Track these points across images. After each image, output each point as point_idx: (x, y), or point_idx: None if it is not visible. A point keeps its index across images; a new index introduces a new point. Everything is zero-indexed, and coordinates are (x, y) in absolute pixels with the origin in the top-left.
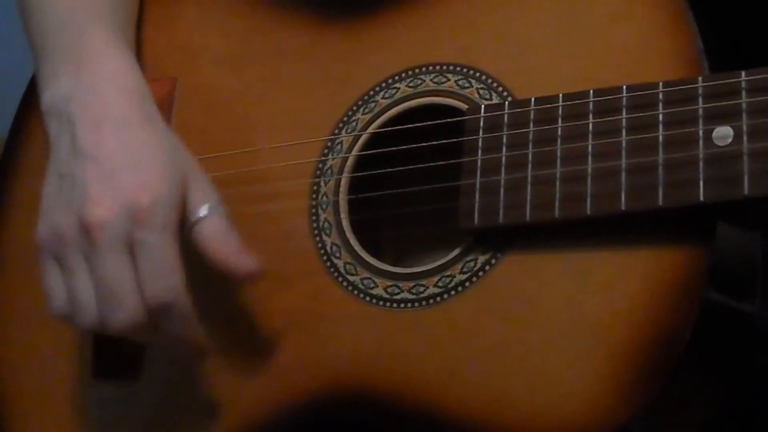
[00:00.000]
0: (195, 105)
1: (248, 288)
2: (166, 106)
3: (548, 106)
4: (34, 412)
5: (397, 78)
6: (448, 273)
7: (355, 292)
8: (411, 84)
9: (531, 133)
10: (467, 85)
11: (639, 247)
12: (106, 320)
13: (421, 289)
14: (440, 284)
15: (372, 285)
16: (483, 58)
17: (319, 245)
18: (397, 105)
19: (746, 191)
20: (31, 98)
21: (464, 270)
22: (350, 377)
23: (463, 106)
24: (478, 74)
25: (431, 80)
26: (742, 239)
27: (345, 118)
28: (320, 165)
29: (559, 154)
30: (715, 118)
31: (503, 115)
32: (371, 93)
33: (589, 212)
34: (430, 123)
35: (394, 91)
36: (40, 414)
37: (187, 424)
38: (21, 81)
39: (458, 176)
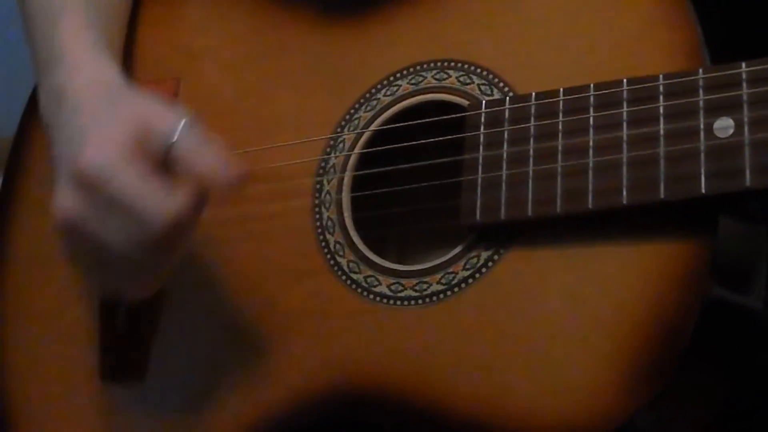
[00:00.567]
0: (199, 105)
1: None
2: None
3: (549, 100)
4: (40, 417)
5: (398, 75)
6: (452, 270)
7: (359, 290)
8: (412, 81)
9: (532, 128)
10: (468, 81)
11: (641, 242)
12: (151, 222)
13: (425, 286)
14: (443, 281)
15: (376, 283)
16: (483, 54)
17: (323, 243)
18: (399, 102)
19: (748, 183)
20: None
21: (467, 267)
22: (354, 375)
23: (465, 103)
24: (478, 70)
25: (432, 77)
26: (746, 233)
27: (347, 116)
28: (323, 163)
29: (560, 148)
30: (716, 109)
31: (504, 110)
32: (373, 91)
33: (591, 206)
34: (431, 120)
35: (395, 88)
36: (47, 419)
37: (190, 425)
38: (28, 83)
39: (460, 172)
